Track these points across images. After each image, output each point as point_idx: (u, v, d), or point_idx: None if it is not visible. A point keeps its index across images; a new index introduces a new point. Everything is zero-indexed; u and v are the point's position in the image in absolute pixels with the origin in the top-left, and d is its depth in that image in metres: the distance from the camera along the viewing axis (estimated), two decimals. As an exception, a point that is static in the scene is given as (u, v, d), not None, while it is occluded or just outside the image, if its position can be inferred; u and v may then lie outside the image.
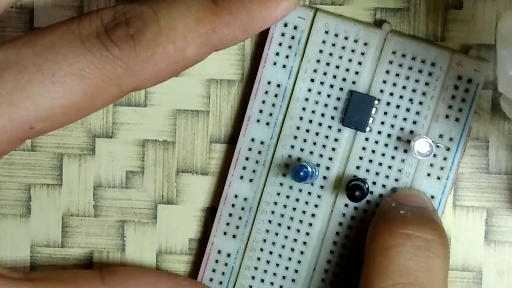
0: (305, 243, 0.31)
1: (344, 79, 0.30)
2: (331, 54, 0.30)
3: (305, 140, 0.30)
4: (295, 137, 0.30)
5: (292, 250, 0.31)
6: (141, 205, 0.32)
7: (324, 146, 0.30)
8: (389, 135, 0.30)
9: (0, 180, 0.32)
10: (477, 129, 0.31)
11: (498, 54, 0.27)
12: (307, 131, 0.30)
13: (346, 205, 0.30)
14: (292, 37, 0.30)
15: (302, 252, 0.31)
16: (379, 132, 0.30)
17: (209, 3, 0.28)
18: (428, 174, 0.30)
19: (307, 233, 0.31)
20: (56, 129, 0.28)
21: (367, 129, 0.30)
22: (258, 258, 0.31)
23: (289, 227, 0.31)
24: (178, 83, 0.32)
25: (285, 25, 0.30)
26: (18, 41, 0.27)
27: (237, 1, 0.28)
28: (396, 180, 0.30)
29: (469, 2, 0.30)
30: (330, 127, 0.30)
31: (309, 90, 0.30)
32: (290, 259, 0.31)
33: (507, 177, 0.31)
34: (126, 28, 0.27)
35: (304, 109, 0.30)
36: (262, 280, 0.31)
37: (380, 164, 0.30)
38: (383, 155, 0.30)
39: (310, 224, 0.31)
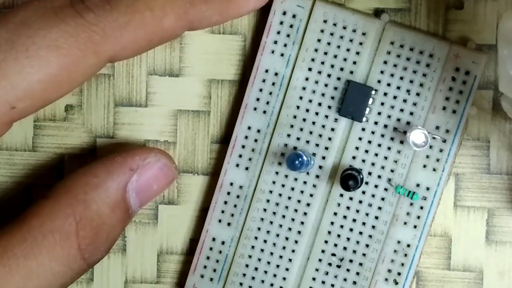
0: (299, 232, 0.31)
1: (341, 69, 0.30)
2: (329, 44, 0.30)
3: (301, 129, 0.30)
4: (292, 126, 0.30)
5: (287, 239, 0.31)
6: (142, 206, 0.32)
7: (320, 135, 0.30)
8: (385, 126, 0.30)
9: (1, 181, 0.32)
10: (478, 129, 0.31)
11: (499, 54, 0.27)
12: (304, 120, 0.30)
13: (341, 195, 0.30)
14: (291, 26, 0.30)
15: (296, 241, 0.31)
16: (376, 123, 0.30)
17: None
18: (424, 166, 0.30)
19: (302, 223, 0.31)
20: (40, 108, 0.28)
21: (364, 119, 0.30)
22: (253, 247, 0.31)
23: (284, 216, 0.31)
24: (179, 84, 0.32)
25: (284, 13, 0.30)
26: None
27: None
28: (392, 171, 0.30)
29: (470, 2, 0.30)
30: (326, 116, 0.30)
31: (307, 79, 0.30)
32: (284, 248, 0.31)
33: (508, 177, 0.31)
34: None
35: (301, 98, 0.30)
36: (256, 269, 0.31)
37: (376, 154, 0.30)
38: (379, 145, 0.30)
39: (305, 214, 0.31)
